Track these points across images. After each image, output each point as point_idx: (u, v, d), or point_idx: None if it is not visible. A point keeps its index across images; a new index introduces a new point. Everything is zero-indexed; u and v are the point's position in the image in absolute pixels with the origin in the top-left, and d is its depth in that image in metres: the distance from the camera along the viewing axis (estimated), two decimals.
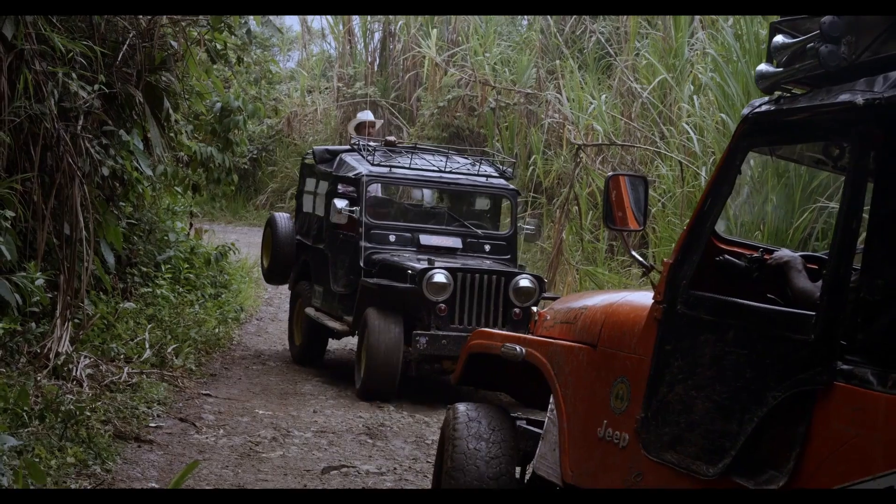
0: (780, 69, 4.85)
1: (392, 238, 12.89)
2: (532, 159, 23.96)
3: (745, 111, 5.01)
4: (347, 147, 13.85)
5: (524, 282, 12.03)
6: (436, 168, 13.25)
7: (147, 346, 11.81)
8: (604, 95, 21.98)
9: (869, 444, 4.10)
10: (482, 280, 12.01)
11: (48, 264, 10.61)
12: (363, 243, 12.68)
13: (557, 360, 6.08)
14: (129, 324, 12.32)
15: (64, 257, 10.55)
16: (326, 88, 38.46)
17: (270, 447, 9.67)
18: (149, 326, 12.44)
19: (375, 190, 13.24)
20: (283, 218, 14.48)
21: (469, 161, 13.81)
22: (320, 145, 16.30)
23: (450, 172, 13.25)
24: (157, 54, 11.80)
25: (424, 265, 11.94)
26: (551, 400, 6.10)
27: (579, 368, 5.89)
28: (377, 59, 38.55)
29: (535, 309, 6.92)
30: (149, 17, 11.45)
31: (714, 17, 20.14)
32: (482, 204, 13.80)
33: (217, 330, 14.28)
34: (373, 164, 13.02)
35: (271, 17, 18.41)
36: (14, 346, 9.80)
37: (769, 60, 4.93)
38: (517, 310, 11.93)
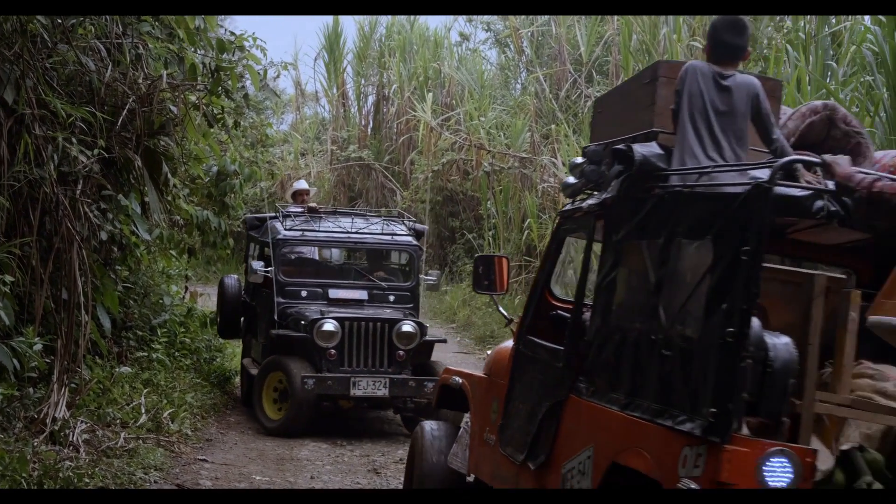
0: (575, 181, 7.04)
1: (304, 293, 14.16)
2: (527, 223, 24.00)
3: (561, 209, 7.60)
4: (274, 214, 15.03)
5: (406, 327, 13.47)
6: (344, 230, 14.64)
7: (143, 410, 11.75)
8: None
9: (578, 433, 6.42)
10: (368, 327, 13.42)
11: (45, 329, 10.57)
12: (277, 299, 13.90)
13: (473, 387, 8.35)
14: (125, 388, 12.27)
15: (61, 322, 10.51)
16: (320, 151, 38.57)
17: None
18: (144, 391, 12.38)
19: (288, 251, 14.58)
20: (231, 279, 15.85)
21: (381, 221, 15.35)
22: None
23: (357, 233, 14.68)
24: (155, 119, 11.79)
25: (317, 316, 13.36)
26: (467, 414, 8.47)
27: (481, 392, 8.19)
28: (371, 123, 38.74)
29: (489, 352, 8.85)
30: (148, 81, 11.47)
31: None
32: (388, 259, 15.36)
33: (212, 394, 14.22)
34: (286, 229, 14.37)
35: (269, 81, 18.48)
36: (11, 411, 9.74)
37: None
38: (401, 352, 13.43)
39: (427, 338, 13.76)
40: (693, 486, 5.12)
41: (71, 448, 9.87)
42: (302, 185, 17.14)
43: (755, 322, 5.23)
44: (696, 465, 5.18)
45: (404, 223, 15.31)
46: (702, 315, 5.39)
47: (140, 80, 11.46)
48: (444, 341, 14.72)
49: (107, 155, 10.95)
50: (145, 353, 13.83)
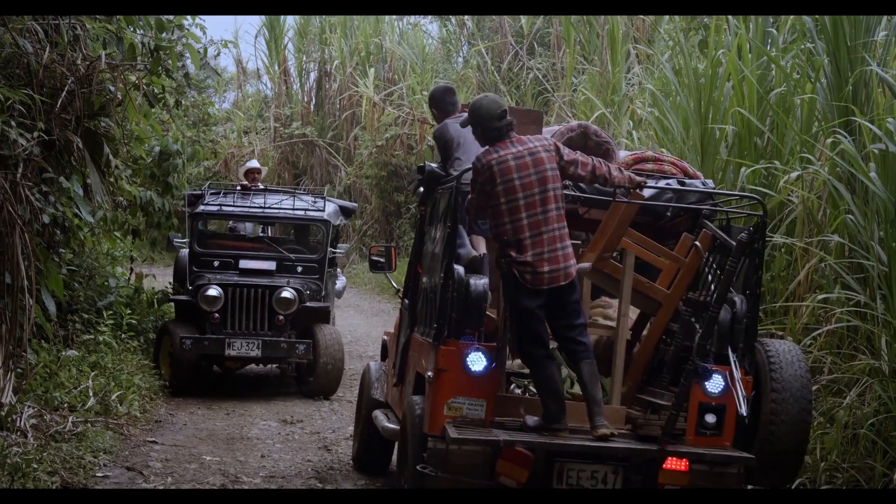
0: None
1: (216, 263, 15.11)
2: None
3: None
4: (210, 192, 15.90)
5: (285, 293, 14.47)
6: (258, 205, 15.65)
7: (91, 393, 11.69)
8: None
9: (411, 357, 9.15)
10: (250, 293, 14.49)
11: None
12: (191, 268, 15.03)
13: (390, 340, 10.84)
14: (72, 372, 12.19)
15: (5, 306, 10.42)
16: (263, 129, 38.36)
17: None
18: (92, 374, 12.31)
19: (204, 224, 15.78)
20: (183, 253, 16.19)
21: (311, 197, 16.35)
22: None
23: (269, 208, 15.67)
24: (95, 100, 11.66)
25: (203, 282, 14.41)
26: (387, 360, 10.80)
27: (391, 343, 10.68)
28: (313, 99, 38.52)
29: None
30: (87, 62, 11.34)
31: (650, 51, 20.28)
32: (301, 233, 16.62)
33: (160, 375, 14.14)
34: (203, 204, 15.42)
35: (209, 60, 18.38)
36: None
37: None
38: (280, 317, 14.46)
39: (308, 304, 14.65)
40: (430, 373, 7.96)
41: (18, 433, 9.82)
42: (254, 164, 18.00)
43: (461, 269, 8.16)
44: (432, 361, 7.99)
45: (326, 200, 16.21)
46: (440, 268, 8.29)
47: (79, 62, 11.33)
48: (328, 308, 15.25)
49: (47, 137, 10.82)
50: (92, 336, 13.74)
